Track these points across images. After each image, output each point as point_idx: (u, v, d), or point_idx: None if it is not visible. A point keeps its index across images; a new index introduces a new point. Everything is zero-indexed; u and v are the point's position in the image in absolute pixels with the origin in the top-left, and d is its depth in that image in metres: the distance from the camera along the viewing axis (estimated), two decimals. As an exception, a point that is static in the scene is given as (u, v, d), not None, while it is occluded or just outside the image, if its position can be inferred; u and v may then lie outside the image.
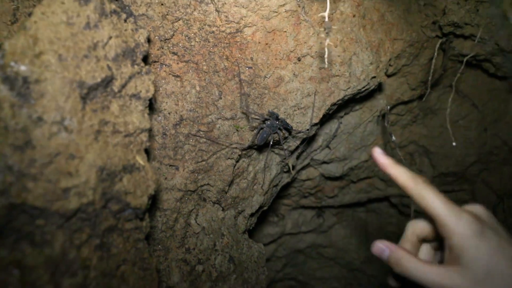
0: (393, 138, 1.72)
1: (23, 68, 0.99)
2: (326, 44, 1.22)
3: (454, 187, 2.37)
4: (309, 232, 2.72)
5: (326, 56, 1.23)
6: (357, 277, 2.89)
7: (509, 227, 2.28)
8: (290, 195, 2.39)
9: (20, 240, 0.93)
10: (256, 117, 1.53)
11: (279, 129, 1.56)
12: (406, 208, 2.47)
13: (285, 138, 1.68)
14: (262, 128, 1.53)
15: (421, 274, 0.89)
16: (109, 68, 1.12)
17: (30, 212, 0.94)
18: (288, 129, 1.58)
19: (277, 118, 1.53)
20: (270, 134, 1.54)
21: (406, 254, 0.93)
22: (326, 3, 1.20)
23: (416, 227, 1.00)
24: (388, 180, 2.33)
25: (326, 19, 1.19)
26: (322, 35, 1.48)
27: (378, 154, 0.98)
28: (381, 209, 2.72)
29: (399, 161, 2.04)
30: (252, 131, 1.58)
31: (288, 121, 1.57)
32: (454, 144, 1.95)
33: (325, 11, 1.47)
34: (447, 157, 2.23)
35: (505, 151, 2.23)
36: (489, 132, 2.20)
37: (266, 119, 1.53)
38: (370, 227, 2.77)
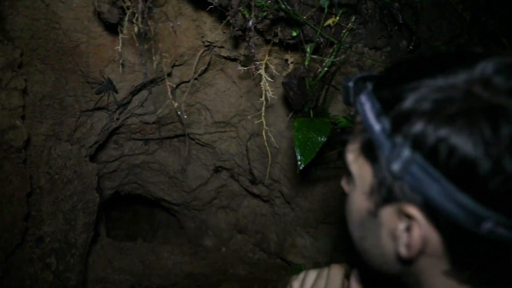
0: (175, 104, 2.59)
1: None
2: (120, 61, 2.01)
3: (226, 130, 3.36)
4: (140, 154, 3.52)
5: (120, 64, 2.02)
6: (174, 181, 3.84)
7: (260, 155, 3.36)
8: (124, 132, 3.14)
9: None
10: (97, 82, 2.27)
11: (110, 88, 2.31)
12: (191, 140, 3.41)
13: (110, 103, 2.45)
14: (100, 85, 2.28)
15: None
16: (-1, 75, 1.78)
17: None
18: (115, 90, 2.34)
19: (110, 82, 2.28)
20: (104, 90, 2.29)
21: None
22: (119, 37, 1.97)
23: None
24: (184, 124, 3.23)
25: (119, 50, 1.96)
26: (128, 51, 2.24)
27: None
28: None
29: (180, 116, 2.90)
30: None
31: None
32: (179, 113, 2.86)
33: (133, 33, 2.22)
34: (218, 112, 3.18)
35: (253, 109, 3.24)
36: (243, 98, 3.18)
37: (103, 82, 2.28)
38: (182, 151, 3.69)
